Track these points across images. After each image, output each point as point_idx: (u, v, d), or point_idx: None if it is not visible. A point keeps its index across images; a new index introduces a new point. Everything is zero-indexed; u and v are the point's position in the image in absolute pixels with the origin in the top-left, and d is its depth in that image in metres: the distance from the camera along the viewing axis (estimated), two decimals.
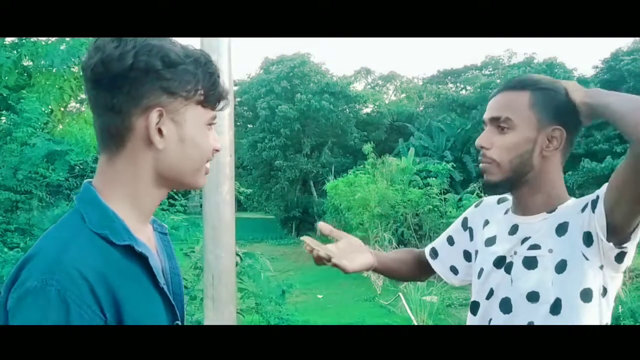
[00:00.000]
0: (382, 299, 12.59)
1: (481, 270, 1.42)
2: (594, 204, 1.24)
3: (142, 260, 0.93)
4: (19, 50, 6.89)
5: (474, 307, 1.44)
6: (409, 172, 18.57)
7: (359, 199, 16.58)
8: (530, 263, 1.30)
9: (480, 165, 1.37)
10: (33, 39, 7.14)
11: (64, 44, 6.86)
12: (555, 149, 1.32)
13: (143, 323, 0.90)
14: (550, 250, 1.28)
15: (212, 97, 0.97)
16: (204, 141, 0.98)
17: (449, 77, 36.17)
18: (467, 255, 1.56)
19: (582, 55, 77.09)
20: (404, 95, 36.94)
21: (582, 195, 1.39)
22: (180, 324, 1.02)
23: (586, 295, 1.25)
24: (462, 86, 34.79)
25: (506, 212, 1.43)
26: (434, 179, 16.70)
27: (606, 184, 1.23)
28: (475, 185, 14.58)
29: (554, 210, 1.32)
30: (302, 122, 27.96)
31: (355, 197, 16.81)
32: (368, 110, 32.24)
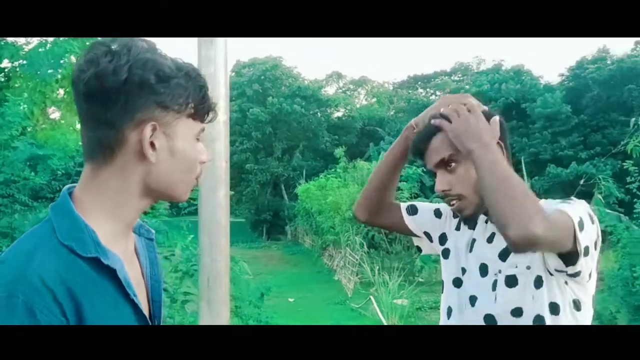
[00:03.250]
0: (352, 302, 12.64)
1: (463, 269, 1.46)
2: None
3: (111, 271, 0.92)
4: None
5: (450, 312, 1.47)
6: None
7: (330, 202, 16.61)
8: (511, 281, 1.34)
9: (452, 207, 1.42)
10: (11, 40, 6.94)
11: (43, 47, 6.66)
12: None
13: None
14: (528, 267, 1.32)
15: (201, 110, 0.98)
16: (194, 153, 0.99)
17: (419, 83, 36.60)
18: (443, 238, 1.58)
19: (548, 63, 79.05)
20: (374, 99, 37.23)
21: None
22: None
23: (554, 309, 1.31)
24: (432, 91, 35.24)
25: (487, 222, 1.45)
26: (404, 183, 16.81)
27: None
28: None
29: None
30: (274, 125, 27.94)
31: (327, 200, 16.85)
32: (339, 114, 32.41)
